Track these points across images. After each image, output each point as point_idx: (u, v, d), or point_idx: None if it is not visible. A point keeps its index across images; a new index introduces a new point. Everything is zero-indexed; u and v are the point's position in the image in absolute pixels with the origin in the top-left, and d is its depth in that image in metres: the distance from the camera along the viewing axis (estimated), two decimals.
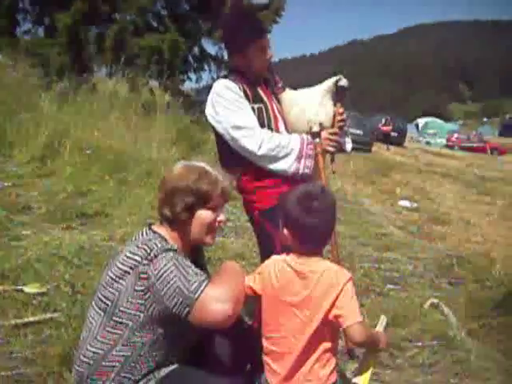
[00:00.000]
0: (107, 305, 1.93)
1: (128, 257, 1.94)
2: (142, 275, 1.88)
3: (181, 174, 2.08)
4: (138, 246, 1.96)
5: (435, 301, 4.44)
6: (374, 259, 5.49)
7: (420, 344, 3.69)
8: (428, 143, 40.00)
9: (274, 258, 2.11)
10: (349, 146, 3.03)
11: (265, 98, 2.73)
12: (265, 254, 2.18)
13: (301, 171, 2.65)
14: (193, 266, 1.94)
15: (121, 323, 1.92)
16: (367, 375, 2.09)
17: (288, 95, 2.87)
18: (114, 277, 1.94)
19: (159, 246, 1.95)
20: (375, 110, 72.43)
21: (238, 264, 2.17)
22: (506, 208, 10.80)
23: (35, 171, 5.87)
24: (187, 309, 1.84)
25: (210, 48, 12.38)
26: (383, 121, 29.66)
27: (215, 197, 2.10)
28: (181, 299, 1.84)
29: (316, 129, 2.71)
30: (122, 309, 1.91)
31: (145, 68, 10.79)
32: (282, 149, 2.60)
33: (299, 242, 2.01)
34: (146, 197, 5.52)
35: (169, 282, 1.85)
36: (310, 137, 2.70)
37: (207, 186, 2.08)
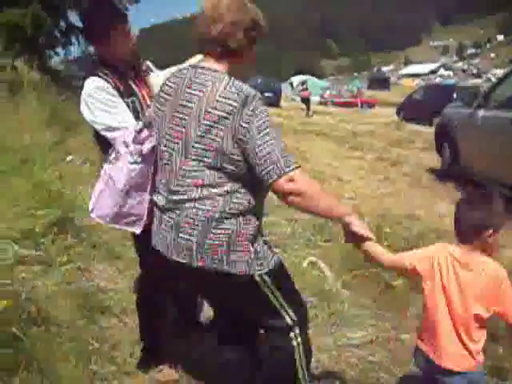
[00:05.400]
0: (212, 153, 1.99)
1: (219, 101, 1.96)
2: (244, 124, 1.94)
3: (237, 5, 2.02)
4: (231, 91, 1.96)
5: (313, 259, 4.68)
6: None
7: None
8: None
9: (440, 245, 2.22)
10: None
11: (136, 90, 2.76)
12: None
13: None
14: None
15: (226, 170, 2.02)
16: None
17: (153, 80, 2.86)
18: (211, 122, 1.97)
19: (254, 92, 1.98)
20: None
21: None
22: (374, 161, 11.25)
23: None
24: (275, 177, 1.95)
25: (77, 20, 11.75)
26: (300, 86, 29.81)
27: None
28: (272, 166, 1.94)
29: None
30: (227, 152, 1.98)
31: (7, 46, 10.17)
32: None
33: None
34: (24, 186, 5.29)
35: (268, 142, 1.93)
36: None
37: (262, 20, 2.09)
